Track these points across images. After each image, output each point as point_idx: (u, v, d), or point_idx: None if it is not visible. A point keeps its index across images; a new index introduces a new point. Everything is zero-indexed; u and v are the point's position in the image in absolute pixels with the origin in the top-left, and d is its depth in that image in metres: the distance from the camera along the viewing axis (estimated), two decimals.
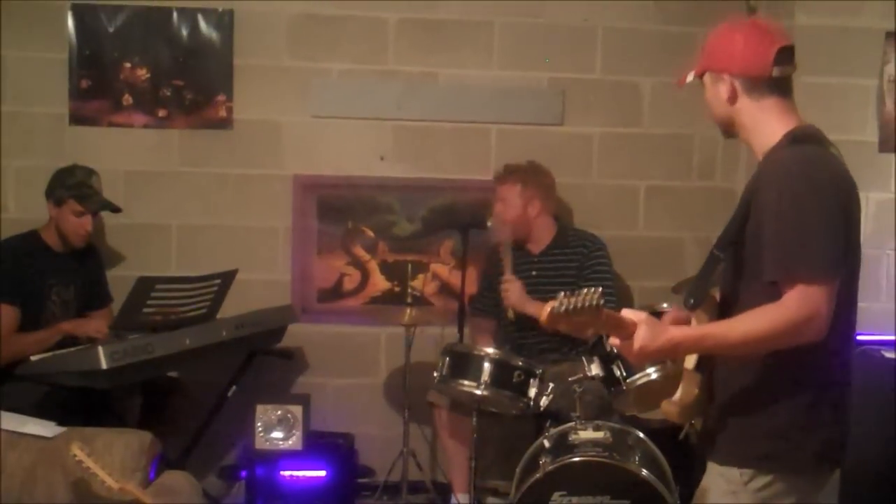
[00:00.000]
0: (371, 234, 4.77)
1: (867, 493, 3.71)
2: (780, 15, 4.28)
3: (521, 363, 3.69)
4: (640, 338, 2.14)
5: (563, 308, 1.99)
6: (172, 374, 4.37)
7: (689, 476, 3.61)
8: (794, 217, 2.15)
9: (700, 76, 2.40)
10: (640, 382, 3.30)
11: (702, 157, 4.86)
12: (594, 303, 2.00)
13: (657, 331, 2.15)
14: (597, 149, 4.83)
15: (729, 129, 2.41)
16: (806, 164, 2.21)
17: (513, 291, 4.20)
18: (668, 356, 2.33)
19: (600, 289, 2.03)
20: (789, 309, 2.12)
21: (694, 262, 4.72)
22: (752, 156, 2.42)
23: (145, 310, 3.86)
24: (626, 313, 2.16)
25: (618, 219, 4.82)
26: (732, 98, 2.33)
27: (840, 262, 2.18)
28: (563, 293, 2.00)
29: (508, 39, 4.74)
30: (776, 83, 2.32)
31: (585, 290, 2.01)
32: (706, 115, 2.45)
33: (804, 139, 2.28)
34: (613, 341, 2.21)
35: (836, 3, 4.34)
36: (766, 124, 2.32)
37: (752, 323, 2.14)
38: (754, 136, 2.35)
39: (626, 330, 2.14)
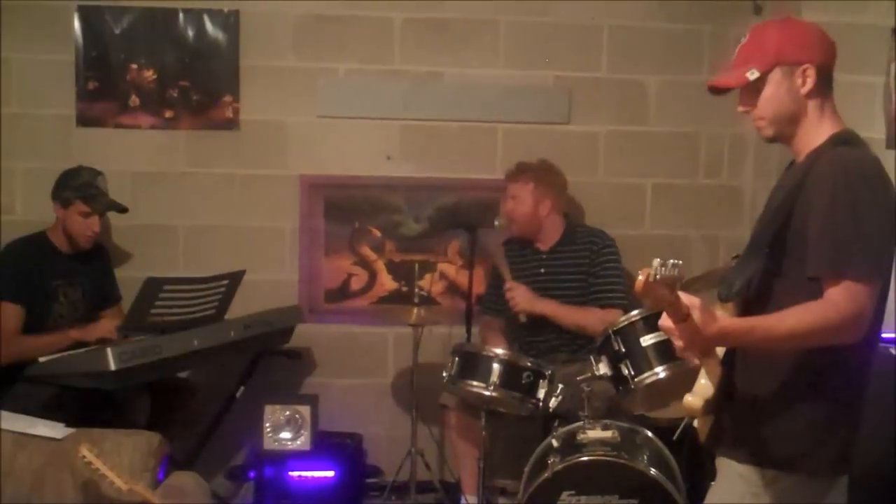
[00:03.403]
0: (378, 233, 4.77)
1: (872, 489, 3.70)
2: (787, 12, 4.26)
3: (530, 364, 3.69)
4: (697, 322, 2.08)
5: (657, 276, 1.95)
6: (181, 374, 4.38)
7: (697, 475, 3.62)
8: (847, 216, 2.13)
9: (766, 73, 2.30)
10: (648, 381, 3.30)
11: (708, 155, 4.85)
12: (678, 273, 1.97)
13: (711, 319, 2.10)
14: (603, 147, 4.83)
15: (785, 129, 2.33)
16: (861, 165, 2.20)
17: (520, 296, 4.20)
18: (716, 345, 2.25)
19: (681, 261, 1.97)
20: (837, 306, 2.09)
21: (702, 260, 4.73)
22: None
23: (153, 311, 3.86)
24: (682, 296, 2.08)
25: (624, 217, 4.81)
26: (813, 91, 2.29)
27: (886, 264, 2.19)
28: (657, 260, 1.95)
29: (514, 38, 4.73)
30: (831, 80, 2.32)
31: (672, 261, 1.95)
32: (762, 114, 2.32)
33: (851, 142, 2.28)
34: (665, 323, 2.14)
35: (843, 2, 4.33)
36: (821, 123, 2.30)
37: (801, 318, 2.10)
38: (806, 135, 2.31)
39: (681, 312, 2.08)
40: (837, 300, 2.10)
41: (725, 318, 2.19)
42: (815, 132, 2.30)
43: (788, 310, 2.13)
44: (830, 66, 2.33)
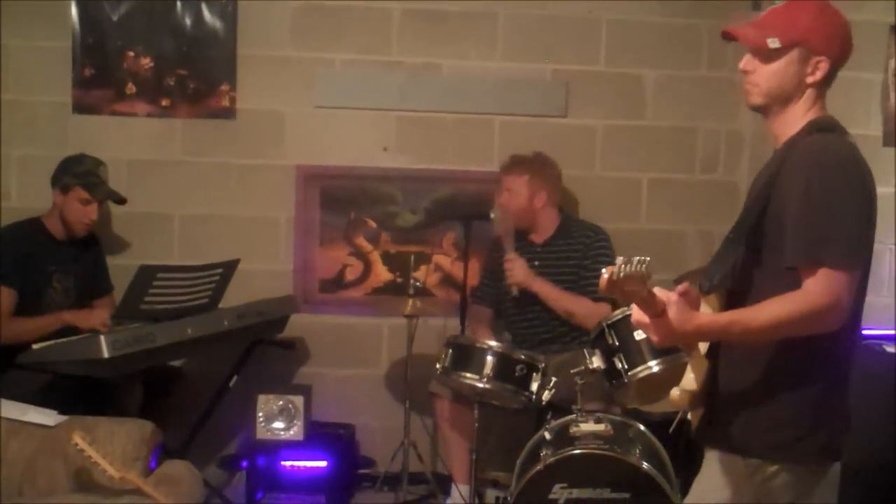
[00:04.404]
0: (373, 224, 4.77)
1: (868, 486, 3.70)
2: None
3: (523, 356, 3.69)
4: (671, 319, 2.09)
5: (621, 274, 1.95)
6: (174, 363, 4.38)
7: (689, 468, 3.62)
8: (823, 204, 2.12)
9: (786, 48, 2.26)
10: (641, 375, 3.30)
11: (705, 151, 4.85)
12: (644, 270, 1.97)
13: (687, 315, 2.10)
14: (600, 141, 4.82)
15: (773, 105, 2.32)
16: (837, 152, 2.19)
17: (518, 268, 4.20)
18: (694, 340, 2.27)
19: (648, 258, 1.98)
20: (813, 295, 2.09)
21: (696, 255, 4.74)
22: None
23: (147, 299, 3.85)
24: (658, 291, 2.09)
25: (620, 211, 4.81)
26: (817, 82, 2.28)
27: (863, 252, 2.18)
28: (620, 258, 1.96)
29: (512, 31, 4.73)
30: (834, 78, 2.31)
31: (637, 258, 1.96)
32: (760, 82, 2.30)
33: (829, 128, 2.27)
34: (638, 318, 2.15)
35: None
36: (807, 112, 2.29)
37: (778, 309, 2.10)
38: (789, 119, 2.30)
39: (656, 308, 2.09)
40: (815, 289, 2.10)
41: (703, 314, 2.20)
42: (799, 118, 2.29)
43: (765, 302, 2.14)
44: (840, 66, 2.31)
